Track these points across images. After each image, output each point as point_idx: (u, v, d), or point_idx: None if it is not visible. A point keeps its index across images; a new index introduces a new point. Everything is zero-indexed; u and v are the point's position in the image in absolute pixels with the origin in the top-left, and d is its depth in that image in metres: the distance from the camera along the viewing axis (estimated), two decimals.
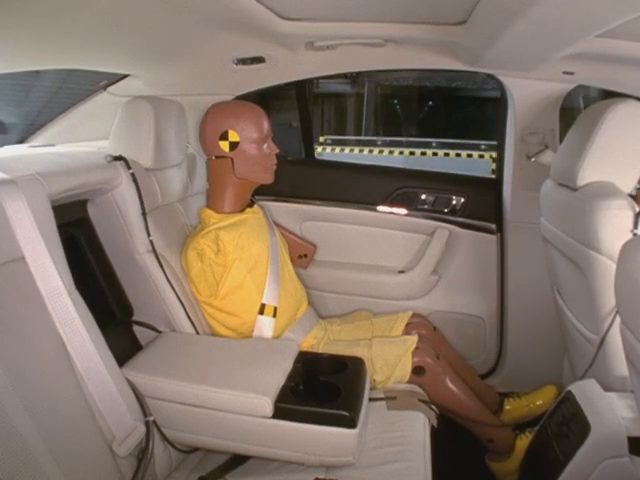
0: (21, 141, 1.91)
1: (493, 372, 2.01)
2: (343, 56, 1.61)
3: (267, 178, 1.60)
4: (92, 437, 0.97)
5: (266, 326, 1.47)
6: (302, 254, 1.92)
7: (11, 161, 1.23)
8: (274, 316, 1.48)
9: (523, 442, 1.54)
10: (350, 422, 1.10)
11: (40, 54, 1.14)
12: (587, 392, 1.17)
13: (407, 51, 1.54)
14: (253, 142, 1.53)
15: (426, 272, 1.94)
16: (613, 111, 1.26)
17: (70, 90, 1.92)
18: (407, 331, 1.66)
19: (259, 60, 1.63)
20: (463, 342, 1.93)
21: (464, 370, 1.72)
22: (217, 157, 1.54)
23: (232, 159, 1.52)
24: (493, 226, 1.93)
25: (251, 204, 1.66)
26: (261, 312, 1.47)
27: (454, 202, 1.95)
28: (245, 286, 1.47)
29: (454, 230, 1.95)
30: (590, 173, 1.30)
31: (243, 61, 1.63)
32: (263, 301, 1.48)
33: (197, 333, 1.42)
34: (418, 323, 1.71)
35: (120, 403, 1.03)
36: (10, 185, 0.94)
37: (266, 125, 1.56)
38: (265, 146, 1.56)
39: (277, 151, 1.60)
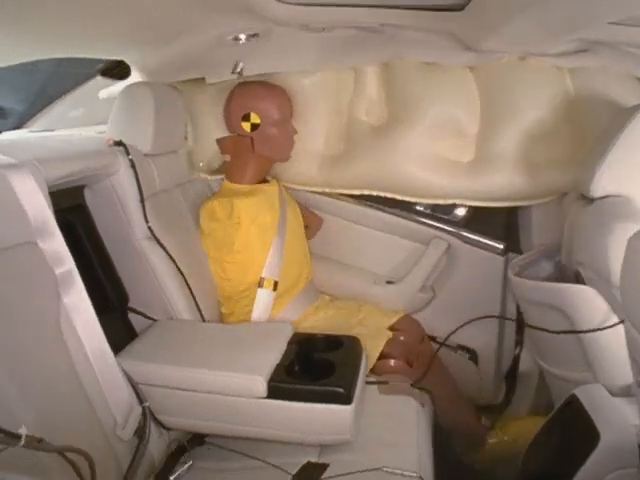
0: (19, 126, 1.91)
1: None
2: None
3: (285, 158, 1.69)
4: (89, 422, 0.98)
5: (266, 299, 1.53)
6: (305, 224, 1.82)
7: (8, 146, 1.23)
8: (274, 289, 1.54)
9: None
10: (345, 398, 1.10)
11: (30, 45, 1.13)
12: (594, 397, 1.09)
13: (406, 41, 1.46)
14: (274, 124, 1.60)
15: (413, 287, 1.73)
16: (639, 115, 1.13)
17: (69, 74, 1.92)
18: (393, 336, 1.57)
19: None
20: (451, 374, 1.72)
21: (453, 393, 1.66)
22: (239, 135, 1.62)
23: (252, 138, 1.59)
24: (501, 246, 1.71)
25: (267, 180, 1.71)
26: (260, 285, 1.53)
27: (456, 210, 1.72)
28: (253, 249, 1.54)
29: (455, 243, 1.72)
30: (607, 183, 1.16)
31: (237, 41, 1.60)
32: (263, 275, 1.53)
33: (194, 319, 1.43)
34: (408, 330, 1.66)
35: (121, 388, 1.05)
36: (18, 168, 0.95)
37: (288, 107, 1.64)
38: (285, 126, 1.63)
39: (296, 132, 1.67)
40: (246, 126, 1.59)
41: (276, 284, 1.54)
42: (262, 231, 1.56)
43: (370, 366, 1.44)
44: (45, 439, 0.79)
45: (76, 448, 0.80)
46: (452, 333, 1.45)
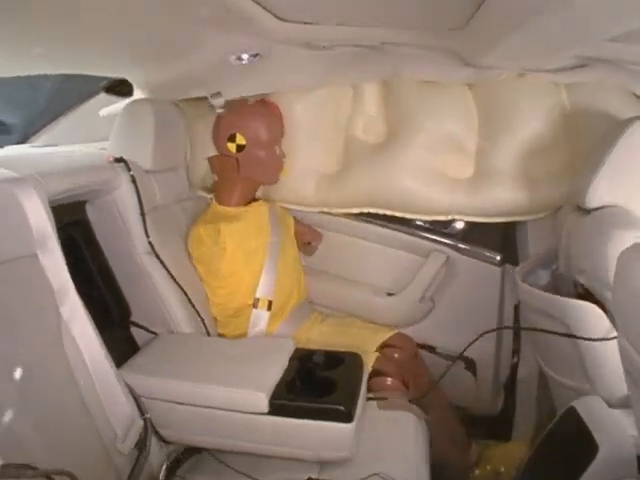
0: (23, 142, 1.93)
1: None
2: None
3: (272, 180, 1.65)
4: (89, 435, 0.98)
5: (261, 319, 1.52)
6: (306, 241, 1.82)
7: (11, 161, 1.24)
8: (269, 309, 1.53)
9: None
10: (346, 417, 1.11)
11: (33, 59, 1.15)
12: (592, 408, 1.10)
13: (405, 57, 1.47)
14: (260, 146, 1.56)
15: (413, 299, 1.74)
16: (634, 125, 1.14)
17: (72, 91, 1.94)
18: (386, 353, 1.59)
19: None
20: (448, 384, 1.64)
21: (443, 410, 1.62)
22: (224, 155, 1.58)
23: (238, 159, 1.56)
24: (498, 257, 1.71)
25: (257, 199, 1.69)
26: (255, 306, 1.52)
27: (454, 223, 1.73)
28: (241, 274, 1.52)
29: (453, 255, 1.73)
30: (603, 193, 1.17)
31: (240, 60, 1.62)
32: (257, 295, 1.52)
33: (196, 333, 1.43)
34: (402, 346, 1.65)
35: (121, 401, 1.05)
36: (21, 182, 0.96)
37: (278, 127, 1.60)
38: (272, 149, 1.59)
39: (285, 156, 1.63)
40: (231, 147, 1.55)
41: (270, 304, 1.53)
42: (249, 255, 1.53)
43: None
44: (42, 454, 0.79)
45: (60, 470, 0.79)
46: (467, 347, 1.39)
